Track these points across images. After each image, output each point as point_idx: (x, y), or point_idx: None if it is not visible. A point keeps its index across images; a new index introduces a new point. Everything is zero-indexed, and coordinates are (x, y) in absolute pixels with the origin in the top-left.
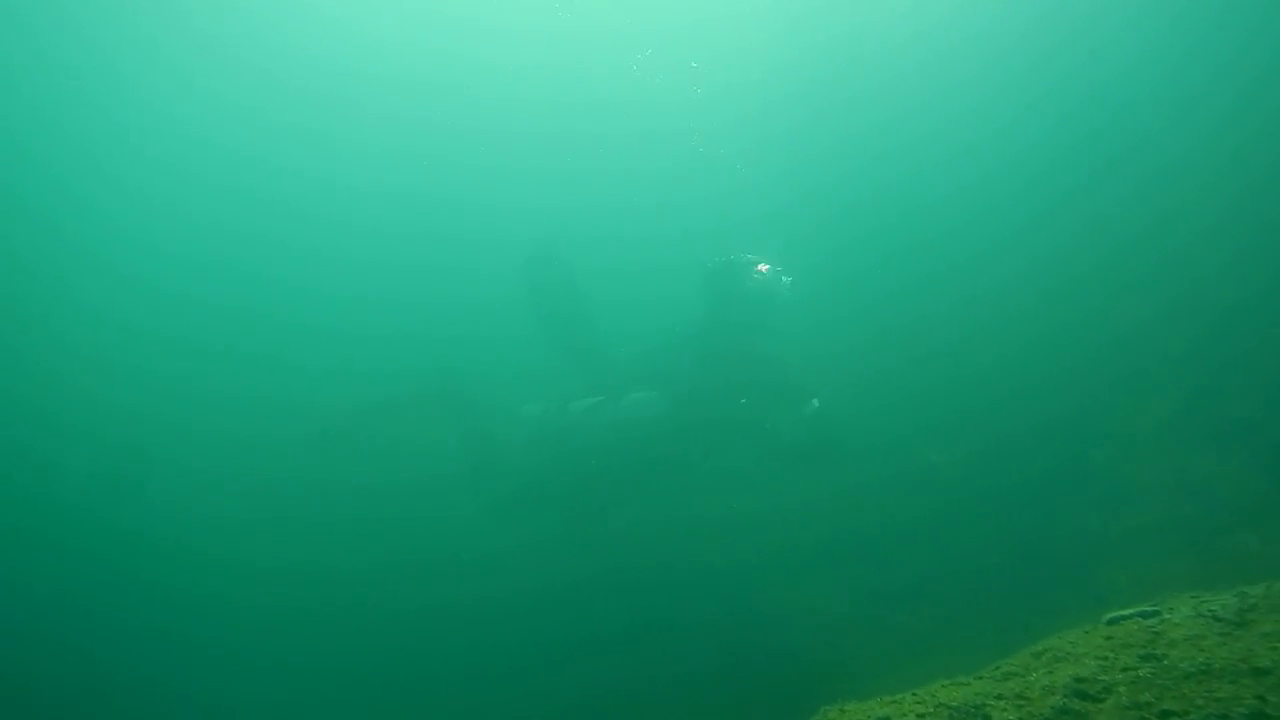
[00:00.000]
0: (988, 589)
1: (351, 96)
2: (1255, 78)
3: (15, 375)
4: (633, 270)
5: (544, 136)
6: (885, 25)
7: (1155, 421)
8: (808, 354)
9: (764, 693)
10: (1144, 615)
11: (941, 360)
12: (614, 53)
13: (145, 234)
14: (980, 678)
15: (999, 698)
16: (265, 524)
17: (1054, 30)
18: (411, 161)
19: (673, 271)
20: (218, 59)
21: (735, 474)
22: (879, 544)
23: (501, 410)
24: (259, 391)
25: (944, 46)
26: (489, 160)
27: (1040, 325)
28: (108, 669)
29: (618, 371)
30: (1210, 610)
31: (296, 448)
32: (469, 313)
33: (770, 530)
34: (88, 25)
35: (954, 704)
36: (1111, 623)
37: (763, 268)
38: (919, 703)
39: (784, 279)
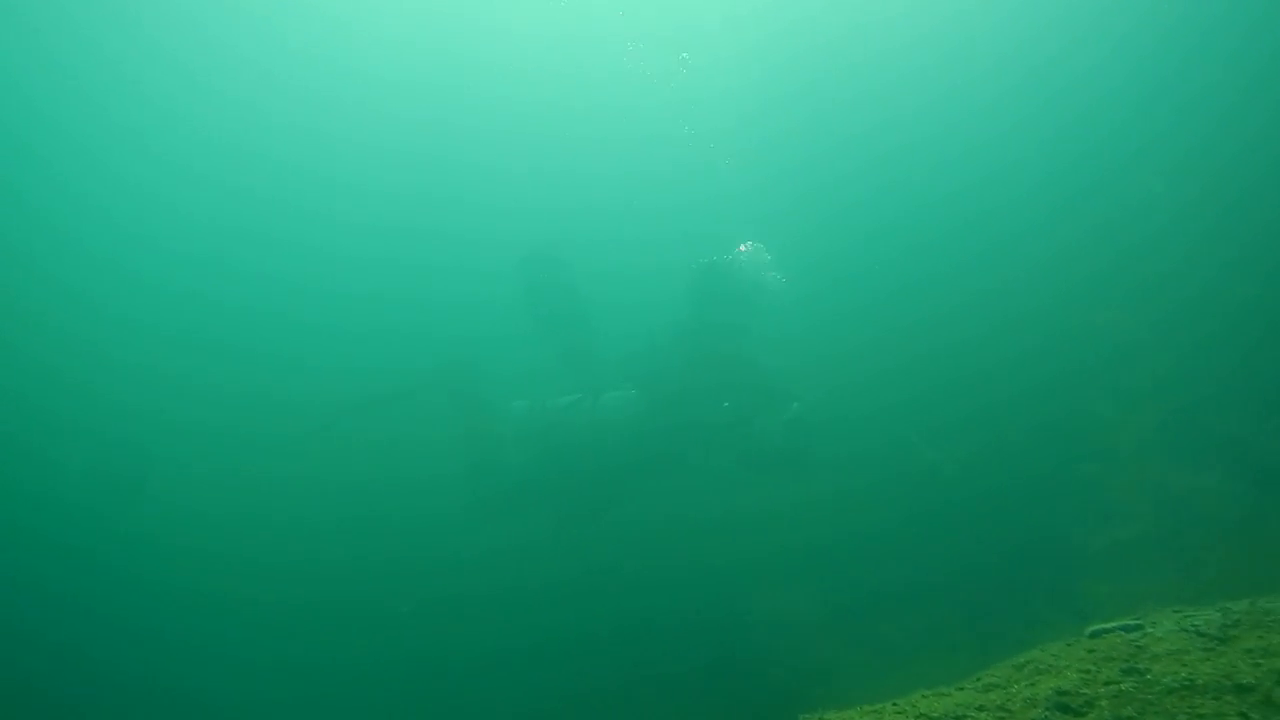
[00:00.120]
0: (968, 599)
1: (353, 97)
2: (1228, 110)
3: (14, 372)
4: (632, 272)
5: (543, 136)
6: (884, 28)
7: (1140, 436)
8: (794, 357)
9: (743, 699)
10: (1126, 629)
11: (929, 367)
12: (611, 54)
13: (146, 231)
14: (961, 688)
15: (980, 709)
16: (264, 523)
17: (1032, 55)
18: (411, 162)
19: (671, 274)
20: (218, 58)
21: (714, 477)
22: (859, 551)
23: (491, 406)
24: (259, 389)
25: (935, 58)
26: (489, 161)
27: (1029, 336)
28: (106, 667)
29: (606, 372)
30: (1193, 625)
31: (296, 443)
32: (469, 312)
33: (750, 534)
34: (88, 24)
35: (935, 714)
36: (1094, 636)
37: (744, 247)
38: (899, 713)
39: (777, 278)
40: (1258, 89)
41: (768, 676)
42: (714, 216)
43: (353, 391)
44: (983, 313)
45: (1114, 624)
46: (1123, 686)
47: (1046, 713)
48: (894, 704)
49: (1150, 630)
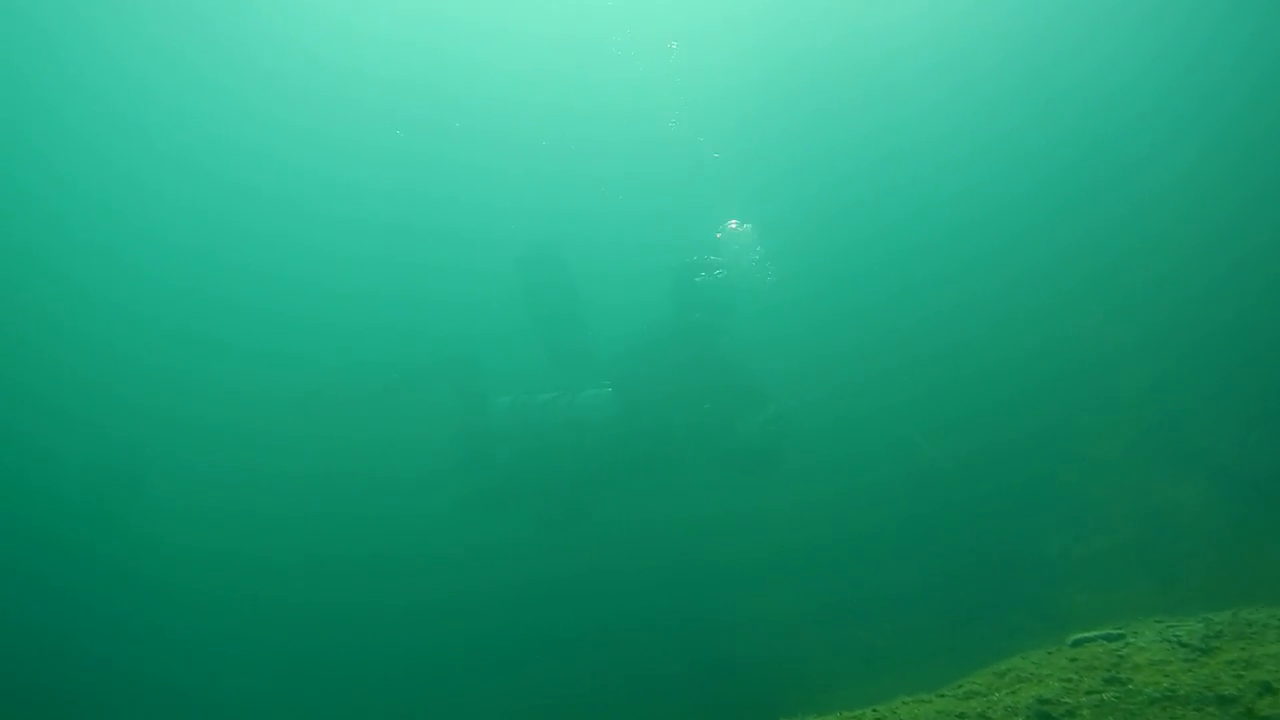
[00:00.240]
0: (949, 606)
1: (353, 97)
2: (1220, 127)
3: (14, 365)
4: (631, 272)
5: (541, 137)
6: (884, 28)
7: (1123, 446)
8: (779, 359)
9: (722, 701)
10: (1109, 638)
11: (914, 373)
12: (610, 54)
13: (149, 226)
14: (942, 695)
15: (961, 716)
16: (263, 521)
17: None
18: (410, 161)
19: (668, 275)
20: (218, 57)
21: (691, 479)
22: (839, 555)
23: (478, 401)
24: (257, 386)
25: (929, 67)
26: (487, 161)
27: (1017, 344)
28: (104, 663)
29: (594, 371)
30: (1175, 636)
31: (294, 440)
32: (467, 311)
33: (730, 537)
34: (89, 22)
35: None
36: (1076, 645)
37: (732, 224)
38: (880, 719)
39: (764, 276)
40: (1252, 103)
41: (747, 680)
42: (714, 217)
43: (352, 388)
44: (970, 319)
45: (1096, 633)
46: (1105, 696)
47: None
48: (874, 710)
49: (1132, 640)
